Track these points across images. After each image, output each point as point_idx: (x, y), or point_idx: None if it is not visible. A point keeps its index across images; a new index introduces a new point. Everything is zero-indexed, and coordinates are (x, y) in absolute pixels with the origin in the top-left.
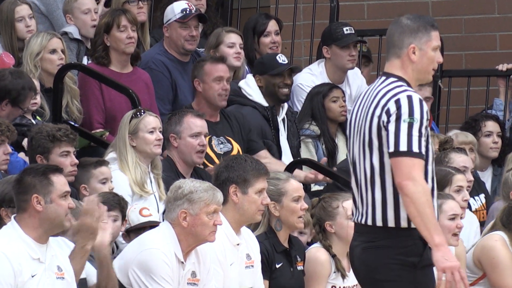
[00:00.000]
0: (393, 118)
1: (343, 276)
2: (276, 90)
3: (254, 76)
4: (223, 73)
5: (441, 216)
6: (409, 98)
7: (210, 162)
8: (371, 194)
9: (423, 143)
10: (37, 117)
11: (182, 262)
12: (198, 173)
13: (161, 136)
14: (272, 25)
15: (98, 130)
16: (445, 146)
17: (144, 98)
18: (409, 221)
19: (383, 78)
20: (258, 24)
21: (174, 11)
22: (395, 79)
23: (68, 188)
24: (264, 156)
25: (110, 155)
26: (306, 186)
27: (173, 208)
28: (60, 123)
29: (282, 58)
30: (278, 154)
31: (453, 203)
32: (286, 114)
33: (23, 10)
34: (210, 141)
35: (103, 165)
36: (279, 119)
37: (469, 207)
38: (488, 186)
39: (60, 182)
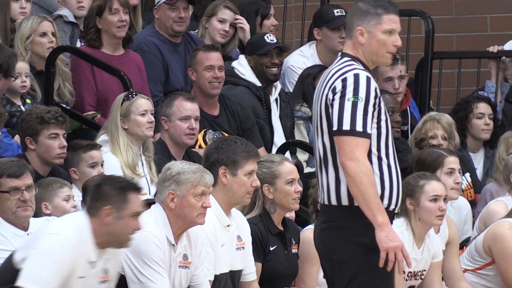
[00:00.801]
0: (337, 96)
1: None
2: (264, 69)
3: (245, 56)
4: (214, 61)
5: (422, 197)
6: (356, 76)
7: None
8: (326, 174)
9: (369, 122)
10: (27, 100)
11: (173, 245)
12: (190, 156)
13: (152, 119)
14: (272, 8)
15: (90, 113)
16: (421, 144)
17: (136, 80)
18: None
19: (339, 58)
20: (262, 7)
21: None
22: (348, 59)
23: (141, 210)
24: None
25: (101, 138)
26: (299, 167)
27: (162, 189)
28: (52, 105)
29: (270, 38)
30: (270, 134)
31: (436, 184)
32: (279, 94)
33: None
34: (204, 134)
35: (93, 149)
36: (272, 99)
37: None
38: (480, 167)
39: (136, 202)
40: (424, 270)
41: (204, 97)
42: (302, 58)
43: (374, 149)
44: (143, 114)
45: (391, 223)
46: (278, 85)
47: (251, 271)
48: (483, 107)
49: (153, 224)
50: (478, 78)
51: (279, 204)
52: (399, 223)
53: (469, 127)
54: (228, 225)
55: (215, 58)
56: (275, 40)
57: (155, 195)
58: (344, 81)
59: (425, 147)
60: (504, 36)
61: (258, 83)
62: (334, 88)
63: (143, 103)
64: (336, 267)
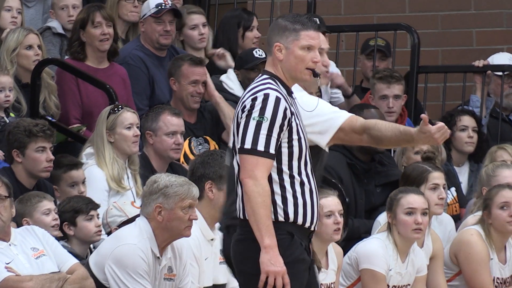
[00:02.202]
0: (244, 115)
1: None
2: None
3: (234, 70)
4: (199, 76)
5: (398, 210)
6: (265, 96)
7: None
8: (240, 189)
9: (273, 142)
10: (11, 114)
11: (158, 258)
12: (174, 169)
13: (138, 132)
14: (255, 20)
15: (75, 125)
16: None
17: (121, 93)
18: (275, 214)
19: (259, 75)
20: (244, 19)
21: (149, 6)
22: (267, 76)
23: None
24: None
25: (87, 150)
26: None
27: (149, 202)
28: (37, 118)
29: (258, 53)
30: None
31: (413, 197)
32: None
33: (14, 1)
34: (189, 142)
35: (73, 169)
36: None
37: None
38: (465, 181)
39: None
40: (409, 285)
41: (184, 107)
42: None
43: (285, 168)
44: (129, 128)
45: (309, 241)
46: None
47: (234, 285)
48: (466, 120)
49: (138, 237)
50: (464, 92)
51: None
52: (383, 237)
53: (453, 140)
54: (212, 239)
55: (200, 73)
56: (264, 55)
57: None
58: (253, 100)
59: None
60: (490, 50)
61: None
62: (244, 106)
63: (129, 116)
64: (244, 279)
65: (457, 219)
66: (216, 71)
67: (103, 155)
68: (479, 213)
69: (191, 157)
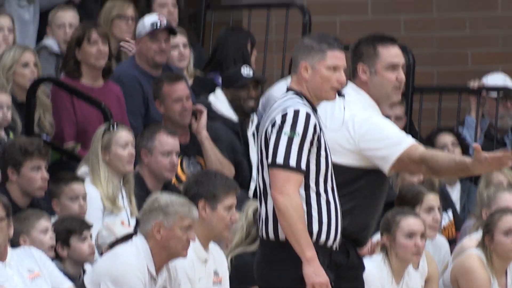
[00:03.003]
0: (275, 130)
1: None
2: (242, 103)
3: (222, 89)
4: (181, 92)
5: (398, 232)
6: (296, 112)
7: (181, 184)
8: (264, 208)
9: (304, 158)
10: (10, 134)
11: (154, 278)
12: (168, 189)
13: (133, 152)
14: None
15: (69, 144)
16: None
17: (116, 112)
18: None
19: (285, 92)
20: (251, 37)
21: (144, 24)
22: (292, 93)
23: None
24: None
25: (82, 169)
26: None
27: (148, 219)
28: (32, 136)
29: (246, 71)
30: (248, 169)
31: (412, 220)
32: (256, 128)
33: (5, 21)
34: (181, 162)
35: (75, 182)
36: (249, 133)
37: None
38: (457, 201)
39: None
40: None
41: (175, 127)
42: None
43: (312, 184)
44: (124, 147)
45: (330, 260)
46: (255, 118)
47: None
48: (444, 138)
49: (135, 256)
50: (459, 113)
51: None
52: (378, 259)
53: None
54: (206, 260)
55: (181, 88)
56: (252, 73)
57: (135, 228)
58: (284, 116)
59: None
60: (485, 71)
61: (235, 118)
62: (274, 122)
63: (124, 135)
64: None
65: (453, 242)
66: (204, 90)
67: (98, 174)
68: (477, 235)
69: (183, 177)
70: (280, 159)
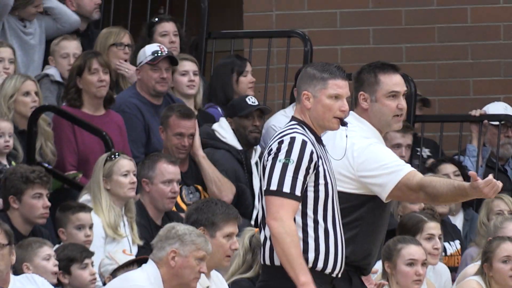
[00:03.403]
0: (271, 157)
1: None
2: (246, 132)
3: (226, 118)
4: (185, 130)
5: (399, 260)
6: (292, 139)
7: (180, 212)
8: (263, 234)
9: (298, 185)
10: (12, 162)
11: None
12: (169, 217)
13: (135, 179)
14: (249, 66)
15: (71, 172)
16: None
17: (117, 141)
18: None
19: (288, 121)
20: (237, 65)
21: (145, 53)
22: (295, 122)
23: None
24: None
25: (84, 197)
26: None
27: (163, 246)
28: (34, 165)
29: (251, 100)
30: (251, 198)
31: (414, 248)
32: (259, 157)
33: (5, 52)
34: (180, 190)
35: (81, 211)
36: (252, 162)
37: (445, 251)
38: (460, 230)
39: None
40: None
41: (173, 157)
42: (285, 119)
43: (310, 212)
44: (125, 175)
45: (333, 286)
46: (258, 148)
47: None
48: (446, 168)
49: (146, 280)
50: (460, 141)
51: None
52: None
53: None
54: (208, 287)
55: (187, 126)
56: (257, 103)
57: (136, 256)
58: (280, 143)
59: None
60: (487, 99)
61: (239, 146)
62: (271, 149)
63: (125, 163)
64: None
65: (456, 271)
66: (208, 120)
67: (100, 202)
68: (479, 263)
69: (182, 205)
70: (274, 186)
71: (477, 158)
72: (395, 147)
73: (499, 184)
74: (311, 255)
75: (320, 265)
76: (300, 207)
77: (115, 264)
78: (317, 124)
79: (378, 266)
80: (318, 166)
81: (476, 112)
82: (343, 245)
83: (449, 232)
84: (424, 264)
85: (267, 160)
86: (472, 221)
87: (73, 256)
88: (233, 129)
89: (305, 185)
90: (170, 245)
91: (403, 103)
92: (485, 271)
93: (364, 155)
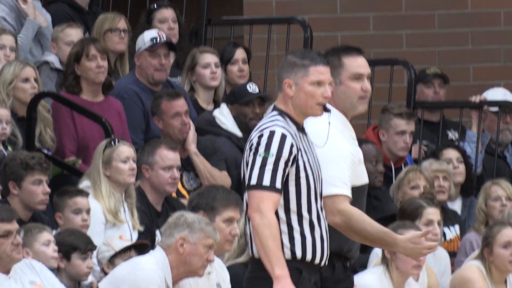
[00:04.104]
0: (252, 153)
1: None
2: (247, 120)
3: (227, 105)
4: (179, 108)
5: (417, 221)
6: (271, 133)
7: (181, 198)
8: (249, 227)
9: (279, 177)
10: (9, 147)
11: None
12: (170, 203)
13: (134, 166)
14: (240, 53)
15: (70, 159)
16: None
17: (117, 127)
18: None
19: (269, 111)
20: (226, 52)
21: (144, 40)
22: (276, 113)
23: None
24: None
25: (84, 184)
26: None
27: (172, 233)
28: (33, 151)
29: (252, 87)
30: None
31: (429, 209)
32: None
33: (7, 39)
34: (181, 177)
35: (78, 196)
36: None
37: (444, 236)
38: None
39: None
40: None
41: (174, 141)
42: None
43: (293, 206)
44: (125, 161)
45: (320, 275)
46: None
47: None
48: (449, 153)
49: (155, 265)
50: (460, 128)
51: None
52: (378, 271)
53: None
54: (209, 272)
55: (180, 104)
56: (257, 90)
57: (137, 241)
58: (260, 137)
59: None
60: (487, 86)
61: (239, 133)
62: (252, 144)
63: (125, 150)
64: None
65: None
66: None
67: (100, 188)
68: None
69: (183, 191)
70: (254, 180)
71: (476, 144)
72: (399, 134)
73: (433, 245)
74: (298, 249)
75: (308, 256)
76: (282, 202)
77: (112, 251)
78: (300, 112)
79: (377, 251)
80: (298, 159)
81: (476, 98)
82: (327, 235)
83: (449, 217)
84: None
85: (249, 156)
86: (471, 207)
87: (77, 245)
88: (233, 116)
89: (286, 179)
90: (179, 232)
91: (367, 85)
92: (485, 256)
93: (329, 153)
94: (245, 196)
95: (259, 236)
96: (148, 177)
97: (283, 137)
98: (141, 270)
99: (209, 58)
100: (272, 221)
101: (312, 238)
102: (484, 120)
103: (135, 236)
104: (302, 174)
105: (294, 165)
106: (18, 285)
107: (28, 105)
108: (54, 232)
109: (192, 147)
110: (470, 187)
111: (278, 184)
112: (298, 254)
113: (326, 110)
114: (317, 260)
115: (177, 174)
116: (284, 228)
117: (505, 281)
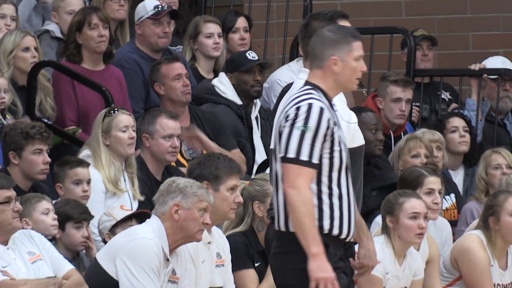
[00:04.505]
0: (288, 124)
1: None
2: (248, 87)
3: (226, 74)
4: (180, 70)
5: (401, 214)
6: (309, 106)
7: (180, 167)
8: (276, 199)
9: (316, 152)
10: (7, 116)
11: (168, 259)
12: (170, 172)
13: (134, 134)
14: (241, 22)
15: (70, 128)
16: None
17: (117, 96)
18: None
19: (301, 85)
20: (227, 21)
21: (146, 8)
22: (309, 87)
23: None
24: (236, 157)
25: (84, 153)
26: None
27: (166, 201)
28: (33, 120)
29: (252, 55)
30: (252, 153)
31: (416, 202)
32: (259, 111)
33: (8, 9)
34: (180, 146)
35: (79, 166)
36: (252, 117)
37: None
38: (460, 185)
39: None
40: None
41: (175, 108)
42: (289, 73)
43: (325, 179)
44: (124, 130)
45: (348, 251)
46: (258, 102)
47: (230, 287)
48: (456, 121)
49: (152, 234)
50: (460, 96)
51: (267, 223)
52: (380, 240)
53: (446, 143)
54: (209, 242)
55: (180, 67)
56: (257, 57)
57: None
58: (297, 109)
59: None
60: (486, 54)
61: (239, 102)
62: (288, 115)
63: (124, 118)
64: None
65: (455, 224)
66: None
67: (100, 157)
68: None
69: (182, 160)
70: (291, 154)
71: (476, 112)
72: (395, 101)
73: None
74: (326, 222)
75: (335, 231)
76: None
77: (113, 220)
78: (342, 87)
79: (378, 220)
80: (334, 132)
81: (475, 66)
82: (355, 210)
83: (444, 186)
84: (425, 217)
85: (283, 126)
86: (473, 175)
87: (70, 214)
88: (233, 84)
89: (321, 152)
90: (173, 199)
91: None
92: (490, 225)
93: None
94: (275, 166)
95: (295, 213)
96: (148, 146)
97: (321, 111)
98: (138, 239)
99: (213, 28)
100: (308, 198)
101: (340, 212)
102: (483, 88)
103: (135, 206)
104: (336, 148)
105: (330, 139)
106: (17, 255)
107: (29, 74)
108: (54, 202)
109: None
110: (473, 157)
111: (315, 159)
112: (326, 227)
113: (361, 85)
114: (343, 235)
115: (177, 142)
116: (314, 200)
117: (506, 254)
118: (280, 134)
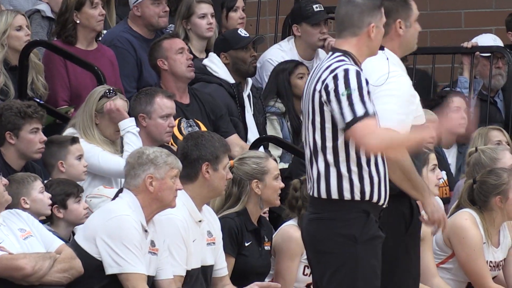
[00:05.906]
0: (332, 95)
1: None
2: (247, 64)
3: (219, 54)
4: (182, 44)
5: (425, 168)
6: (346, 71)
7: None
8: (316, 168)
9: (368, 104)
10: None
11: (146, 231)
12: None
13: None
14: (240, 1)
15: (63, 107)
16: None
17: (109, 75)
18: (351, 193)
19: (330, 53)
20: (227, 0)
21: None
22: (340, 54)
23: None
24: (236, 141)
25: (69, 130)
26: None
27: (138, 173)
28: (25, 100)
29: (243, 32)
30: (244, 131)
31: (432, 155)
32: (251, 90)
33: None
34: (179, 123)
35: (77, 142)
36: (245, 95)
37: None
38: (453, 163)
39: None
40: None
41: (176, 86)
42: (281, 52)
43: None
44: None
45: (379, 216)
46: (249, 80)
47: (222, 266)
48: (459, 101)
49: (128, 209)
50: (452, 73)
51: (265, 200)
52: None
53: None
54: (200, 221)
55: (182, 42)
56: (248, 35)
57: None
58: (335, 77)
59: None
60: (478, 31)
61: (232, 80)
62: (327, 86)
63: (120, 104)
64: (321, 258)
65: (447, 202)
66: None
67: (92, 134)
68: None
69: (180, 137)
70: (348, 118)
71: (469, 89)
72: None
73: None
74: (367, 188)
75: (375, 197)
76: (353, 142)
77: (107, 200)
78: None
79: None
80: (370, 94)
81: (468, 44)
82: (387, 176)
83: None
84: None
85: (329, 100)
86: (466, 154)
87: (70, 191)
88: (228, 63)
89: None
90: (145, 171)
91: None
92: (493, 204)
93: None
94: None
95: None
96: (145, 126)
97: (358, 73)
98: (116, 217)
99: (206, 9)
100: (390, 133)
101: (378, 178)
102: (475, 66)
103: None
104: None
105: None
106: (9, 232)
107: (20, 54)
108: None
109: None
110: (465, 136)
111: (371, 110)
112: (367, 194)
113: (381, 48)
114: (381, 201)
115: (173, 122)
116: (354, 167)
117: (498, 231)
118: (319, 105)
